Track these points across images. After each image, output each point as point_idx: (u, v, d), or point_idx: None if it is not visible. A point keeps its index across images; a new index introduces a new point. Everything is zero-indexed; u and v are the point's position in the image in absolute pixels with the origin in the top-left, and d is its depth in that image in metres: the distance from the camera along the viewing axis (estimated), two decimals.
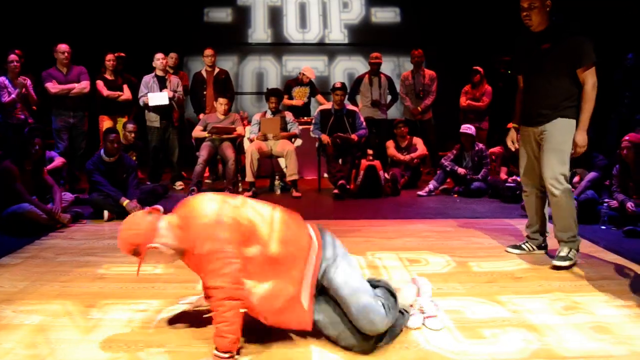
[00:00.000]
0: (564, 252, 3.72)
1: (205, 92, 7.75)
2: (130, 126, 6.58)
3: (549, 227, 4.08)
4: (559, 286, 3.35)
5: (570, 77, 3.63)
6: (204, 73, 7.85)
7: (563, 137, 3.66)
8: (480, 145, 7.01)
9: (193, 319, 2.83)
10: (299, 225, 2.53)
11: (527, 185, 4.05)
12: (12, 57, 6.46)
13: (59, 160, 6.38)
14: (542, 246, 4.09)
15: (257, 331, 2.51)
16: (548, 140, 3.70)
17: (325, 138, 6.90)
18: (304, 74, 8.27)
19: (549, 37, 3.67)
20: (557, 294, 3.20)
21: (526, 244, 4.12)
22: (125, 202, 5.29)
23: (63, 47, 6.74)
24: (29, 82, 6.61)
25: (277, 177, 7.17)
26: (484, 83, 8.16)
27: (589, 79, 3.57)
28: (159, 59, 7.23)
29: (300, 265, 2.42)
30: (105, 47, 7.54)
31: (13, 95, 6.40)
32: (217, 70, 7.86)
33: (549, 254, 3.99)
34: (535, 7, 3.63)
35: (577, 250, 3.78)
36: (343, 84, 7.31)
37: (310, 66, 8.79)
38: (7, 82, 6.44)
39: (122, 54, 7.79)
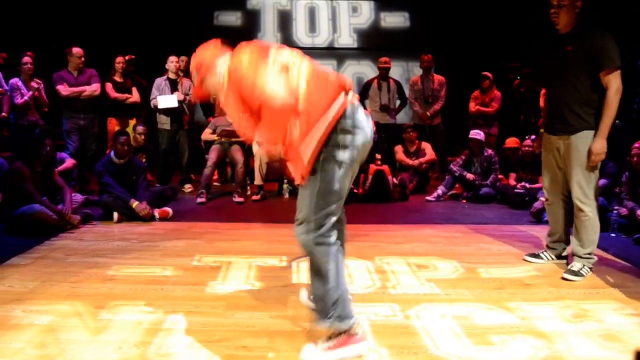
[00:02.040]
0: (576, 267, 3.65)
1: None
2: (140, 128, 6.62)
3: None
4: (568, 293, 3.34)
5: (592, 80, 3.50)
6: None
7: (586, 148, 3.56)
8: (490, 150, 7.00)
9: (202, 321, 2.85)
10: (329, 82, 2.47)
11: (550, 194, 3.97)
12: (26, 59, 6.51)
13: (69, 162, 6.41)
14: (562, 256, 4.01)
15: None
16: (574, 154, 3.60)
17: None
18: None
19: (573, 39, 3.56)
20: (567, 302, 3.19)
21: (545, 252, 4.05)
22: (135, 203, 5.31)
23: (79, 50, 6.77)
24: (42, 85, 6.66)
25: (285, 180, 7.18)
26: (493, 88, 8.14)
27: (613, 83, 3.44)
28: (172, 62, 7.26)
29: (315, 115, 2.35)
30: (115, 49, 7.58)
31: (26, 97, 6.46)
32: None
33: (567, 264, 3.91)
34: (564, 5, 3.54)
35: (591, 269, 3.70)
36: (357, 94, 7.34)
37: None
38: (20, 83, 6.49)
39: (133, 56, 7.84)
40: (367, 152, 2.49)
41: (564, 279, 3.61)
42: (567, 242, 3.99)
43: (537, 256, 4.06)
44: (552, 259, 4.01)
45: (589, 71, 3.51)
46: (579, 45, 3.52)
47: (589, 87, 3.53)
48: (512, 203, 6.35)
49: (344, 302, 2.43)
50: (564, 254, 4.01)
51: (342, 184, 2.40)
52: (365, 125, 2.43)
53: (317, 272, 2.42)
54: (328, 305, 2.40)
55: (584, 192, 3.61)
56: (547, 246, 4.07)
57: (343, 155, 2.37)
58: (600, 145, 3.51)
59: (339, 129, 2.36)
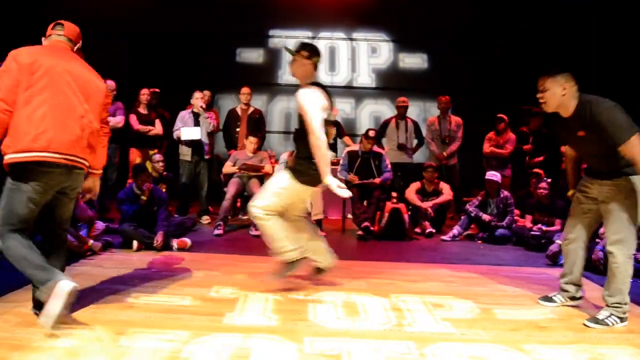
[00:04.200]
0: (601, 316, 3.57)
1: (238, 129, 7.92)
2: (156, 157, 6.81)
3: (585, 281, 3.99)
4: (584, 337, 3.33)
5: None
6: (238, 110, 8.03)
7: (628, 195, 3.51)
8: (506, 192, 7.03)
9: (219, 351, 2.89)
10: None
11: (570, 233, 3.91)
12: None
13: None
14: (576, 297, 3.97)
15: None
16: (612, 200, 3.56)
17: (353, 178, 7.01)
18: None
19: (581, 123, 3.49)
20: (583, 345, 3.18)
21: (558, 295, 4.01)
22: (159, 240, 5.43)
23: (110, 83, 6.98)
24: None
25: None
26: (507, 131, 8.21)
27: (635, 151, 3.29)
28: (197, 97, 7.44)
29: None
30: (140, 82, 7.80)
31: None
32: (251, 109, 8.03)
33: (581, 307, 3.92)
34: (548, 90, 3.53)
35: (620, 319, 3.56)
36: (376, 132, 7.47)
37: (337, 108, 8.95)
38: None
39: (157, 90, 8.05)
40: None
41: (585, 325, 3.55)
42: (581, 285, 3.98)
43: (550, 299, 4.02)
44: (566, 301, 3.98)
45: (611, 147, 3.40)
46: (588, 128, 3.45)
47: (619, 152, 3.42)
48: (528, 245, 6.35)
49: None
50: (577, 295, 3.99)
51: None
52: None
53: None
54: None
55: (621, 239, 3.53)
56: (561, 288, 4.03)
57: None
58: None
59: None
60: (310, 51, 4.02)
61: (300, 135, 3.92)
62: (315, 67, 4.06)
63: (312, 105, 3.81)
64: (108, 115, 3.52)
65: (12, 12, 8.88)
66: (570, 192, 4.11)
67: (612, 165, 3.55)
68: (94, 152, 3.43)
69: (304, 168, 3.91)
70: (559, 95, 3.52)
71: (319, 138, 3.73)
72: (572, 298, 3.99)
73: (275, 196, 3.97)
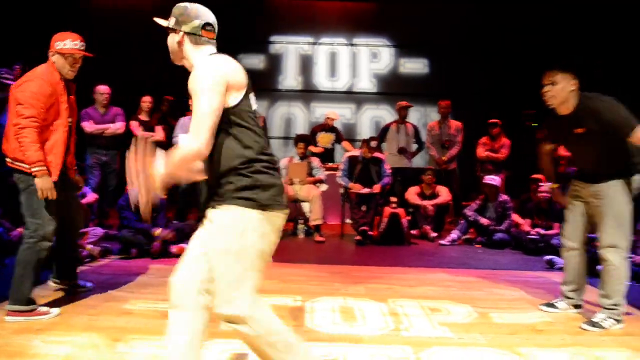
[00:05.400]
0: (597, 318, 3.58)
1: None
2: None
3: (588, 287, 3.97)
4: (581, 340, 3.33)
5: (616, 144, 3.48)
6: None
7: (621, 199, 3.55)
8: (504, 196, 7.03)
9: (217, 357, 2.89)
10: None
11: (569, 240, 3.91)
12: None
13: (91, 196, 6.55)
14: (578, 305, 3.95)
15: None
16: (605, 204, 3.58)
17: (355, 187, 7.03)
18: (328, 117, 8.43)
19: (583, 119, 3.52)
20: (579, 348, 3.18)
21: (561, 302, 3.97)
22: (158, 230, 5.45)
23: (103, 88, 7.02)
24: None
25: (300, 221, 7.25)
26: (502, 136, 8.22)
27: None
28: None
29: None
30: (142, 89, 7.83)
31: None
32: None
33: (580, 313, 3.91)
34: (557, 83, 3.56)
35: (617, 321, 3.57)
36: (378, 142, 7.51)
37: (337, 112, 8.95)
38: None
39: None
40: None
41: (582, 328, 3.56)
42: (584, 292, 3.96)
43: (552, 305, 3.99)
44: (569, 308, 3.95)
45: (610, 143, 3.48)
46: (591, 124, 3.48)
47: (613, 148, 3.52)
48: (526, 249, 6.35)
49: None
50: (580, 302, 3.96)
51: None
52: None
53: None
54: None
55: (615, 242, 3.56)
56: (564, 295, 3.98)
57: None
58: None
59: None
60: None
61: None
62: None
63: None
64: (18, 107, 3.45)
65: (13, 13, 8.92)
66: (554, 185, 4.12)
67: (603, 168, 3.58)
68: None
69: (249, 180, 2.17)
70: (568, 90, 3.56)
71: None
72: (576, 306, 3.95)
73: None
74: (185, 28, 2.28)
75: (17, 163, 3.46)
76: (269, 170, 2.19)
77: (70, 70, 3.63)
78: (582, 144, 3.63)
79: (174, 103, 8.24)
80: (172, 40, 2.33)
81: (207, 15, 2.32)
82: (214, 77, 2.13)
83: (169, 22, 2.32)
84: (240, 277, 2.12)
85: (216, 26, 2.36)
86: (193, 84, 2.13)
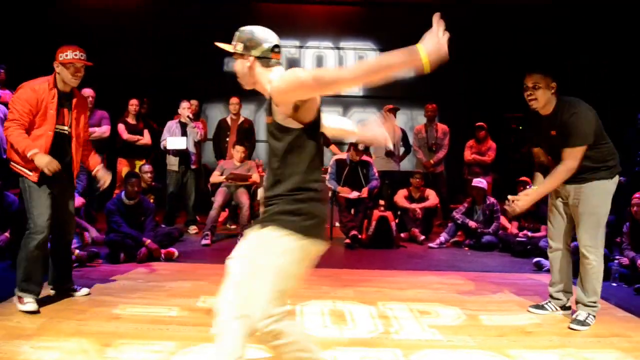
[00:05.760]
0: (582, 317, 3.66)
1: (227, 139, 7.91)
2: (145, 167, 6.80)
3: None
4: (569, 342, 3.37)
5: (592, 147, 3.59)
6: (228, 120, 8.02)
7: (599, 199, 3.65)
8: (492, 199, 7.07)
9: None
10: None
11: (553, 241, 3.99)
12: None
13: (78, 200, 6.48)
14: (567, 306, 4.00)
15: None
16: (583, 203, 3.67)
17: (343, 190, 7.04)
18: None
19: (555, 123, 3.65)
20: (568, 350, 3.22)
21: (549, 304, 4.02)
22: (148, 241, 5.41)
23: (87, 91, 6.96)
24: None
25: None
26: (488, 139, 8.29)
27: (569, 161, 3.56)
28: (184, 107, 7.43)
29: None
30: (128, 92, 7.79)
31: None
32: (242, 118, 8.02)
33: (568, 315, 3.93)
34: (540, 87, 3.63)
35: (594, 317, 3.70)
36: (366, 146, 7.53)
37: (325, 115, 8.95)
38: None
39: (145, 99, 8.05)
40: None
41: (570, 328, 3.61)
42: (571, 292, 4.01)
43: (541, 307, 4.03)
44: (557, 309, 3.99)
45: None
46: (560, 128, 3.61)
47: (590, 155, 3.61)
48: (514, 251, 6.39)
49: None
50: (568, 304, 4.01)
51: None
52: None
53: None
54: None
55: (592, 240, 3.66)
56: (551, 296, 4.04)
57: None
58: (525, 204, 3.72)
59: None
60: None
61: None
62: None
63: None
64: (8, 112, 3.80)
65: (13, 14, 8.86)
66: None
67: (579, 169, 3.63)
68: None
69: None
70: (550, 92, 3.65)
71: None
72: (564, 307, 4.00)
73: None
74: (255, 53, 2.33)
75: (16, 165, 3.71)
76: (318, 200, 2.23)
77: (73, 78, 3.83)
78: (557, 145, 3.70)
79: (153, 105, 8.21)
80: (241, 65, 2.35)
81: (273, 37, 2.37)
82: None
83: (236, 48, 2.35)
84: (264, 291, 2.15)
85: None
86: (286, 81, 2.18)
